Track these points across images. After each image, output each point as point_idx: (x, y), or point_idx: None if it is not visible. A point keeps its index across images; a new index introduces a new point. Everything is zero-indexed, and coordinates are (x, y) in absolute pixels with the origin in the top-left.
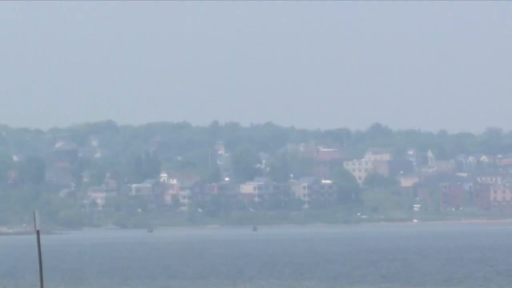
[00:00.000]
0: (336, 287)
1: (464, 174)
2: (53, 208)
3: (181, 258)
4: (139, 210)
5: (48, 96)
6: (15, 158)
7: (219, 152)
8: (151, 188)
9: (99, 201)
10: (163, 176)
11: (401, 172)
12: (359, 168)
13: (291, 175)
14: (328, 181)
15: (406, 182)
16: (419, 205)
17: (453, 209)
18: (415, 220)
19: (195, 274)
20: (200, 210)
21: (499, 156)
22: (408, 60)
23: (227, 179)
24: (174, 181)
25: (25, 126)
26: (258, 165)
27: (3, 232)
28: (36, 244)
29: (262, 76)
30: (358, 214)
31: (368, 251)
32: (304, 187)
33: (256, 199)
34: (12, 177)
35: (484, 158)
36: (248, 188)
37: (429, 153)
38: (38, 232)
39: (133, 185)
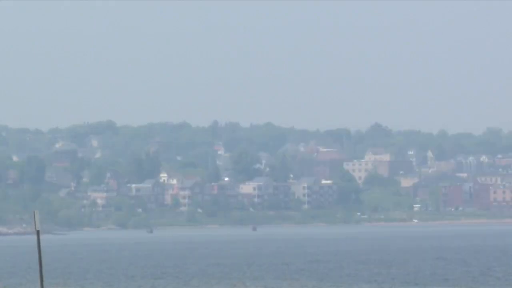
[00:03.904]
0: (335, 287)
1: (464, 174)
2: (53, 208)
3: (181, 258)
4: (139, 210)
5: (48, 96)
6: (15, 158)
7: (219, 152)
8: (151, 188)
9: (99, 201)
10: (163, 176)
11: (401, 172)
12: (359, 169)
13: (291, 175)
14: (328, 181)
15: (406, 182)
16: (419, 205)
17: (453, 209)
18: (415, 220)
19: (194, 274)
20: (200, 210)
21: (499, 156)
22: (408, 60)
23: (227, 179)
24: (174, 181)
25: (25, 126)
26: (258, 165)
27: (3, 232)
28: (36, 244)
29: (262, 76)
30: (358, 214)
31: (368, 251)
32: (304, 187)
33: (256, 199)
34: (12, 177)
35: (484, 158)
36: (247, 188)
37: (429, 153)
38: (38, 232)
39: (133, 185)
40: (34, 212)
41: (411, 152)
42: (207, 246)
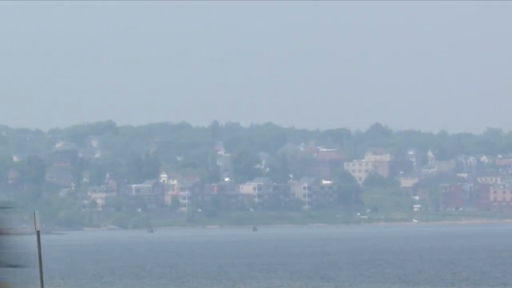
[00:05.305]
0: (335, 287)
1: (464, 175)
2: (53, 208)
3: (181, 258)
4: (139, 210)
5: (48, 96)
6: (15, 158)
7: (219, 152)
8: (151, 188)
9: (99, 201)
10: (163, 176)
11: (401, 172)
12: (359, 169)
13: (291, 176)
14: (328, 182)
15: (406, 182)
16: (419, 205)
17: (453, 209)
18: (415, 220)
19: (194, 275)
20: (200, 210)
21: (499, 156)
22: (408, 60)
23: (227, 179)
24: (174, 182)
25: (25, 126)
26: (258, 165)
27: None
28: (36, 244)
29: (262, 76)
30: (358, 214)
31: (367, 251)
32: (304, 188)
33: (256, 199)
34: (12, 177)
35: (484, 158)
36: (248, 188)
37: (429, 153)
38: (38, 232)
39: (133, 185)
40: (34, 212)
41: (411, 152)
42: (207, 246)
